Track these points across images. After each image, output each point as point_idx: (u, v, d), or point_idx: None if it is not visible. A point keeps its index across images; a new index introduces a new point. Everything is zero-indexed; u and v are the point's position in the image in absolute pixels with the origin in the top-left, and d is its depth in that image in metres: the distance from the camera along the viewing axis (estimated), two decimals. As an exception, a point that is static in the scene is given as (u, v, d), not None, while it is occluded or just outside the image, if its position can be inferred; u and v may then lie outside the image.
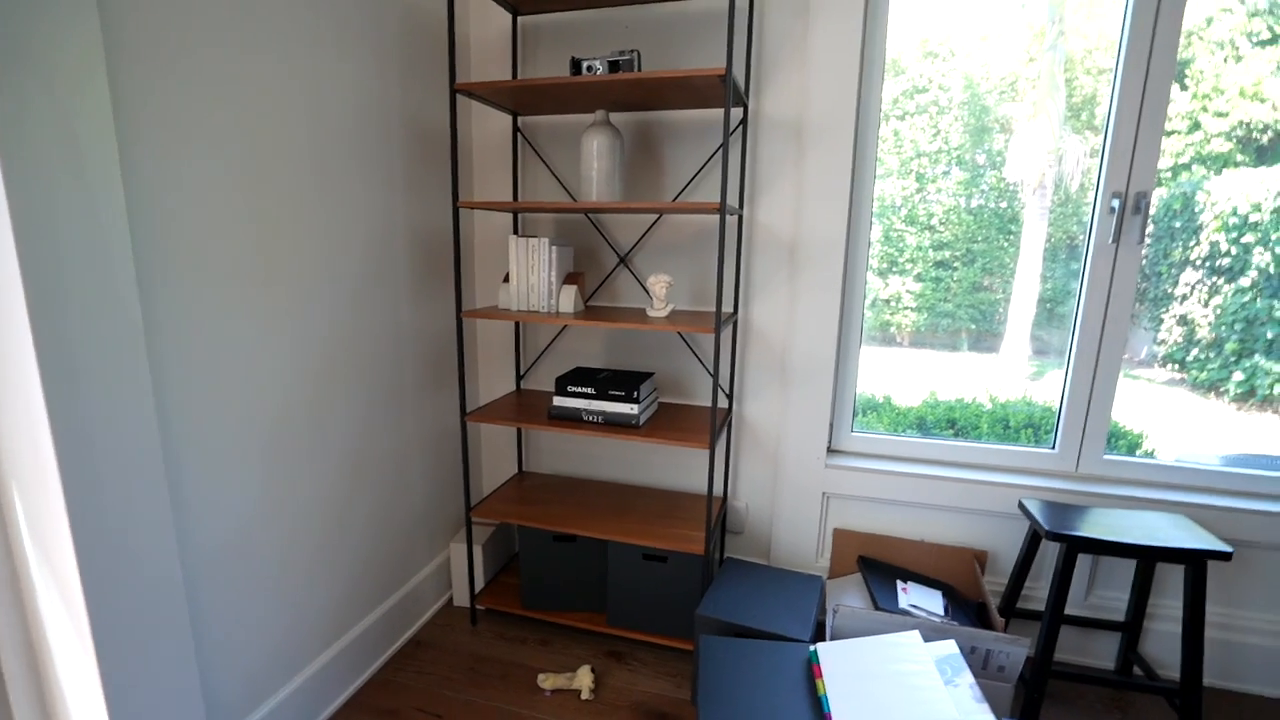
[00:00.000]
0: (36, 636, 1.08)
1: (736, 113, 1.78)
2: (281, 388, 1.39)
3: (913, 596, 1.66)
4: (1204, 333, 1.78)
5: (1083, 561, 1.76)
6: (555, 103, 1.75)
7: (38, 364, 0.93)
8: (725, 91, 1.46)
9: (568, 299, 1.73)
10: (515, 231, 2.04)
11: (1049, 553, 1.78)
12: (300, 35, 1.36)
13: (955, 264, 1.96)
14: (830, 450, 1.97)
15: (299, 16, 1.35)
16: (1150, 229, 1.67)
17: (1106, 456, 1.78)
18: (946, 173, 1.93)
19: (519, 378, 2.14)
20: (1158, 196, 1.69)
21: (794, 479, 1.94)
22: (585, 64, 1.60)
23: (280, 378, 1.38)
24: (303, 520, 1.47)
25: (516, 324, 2.11)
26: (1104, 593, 1.78)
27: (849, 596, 1.74)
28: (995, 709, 1.40)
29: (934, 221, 1.95)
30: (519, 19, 1.92)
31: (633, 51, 1.59)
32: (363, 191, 1.58)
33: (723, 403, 1.97)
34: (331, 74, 1.45)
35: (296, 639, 1.49)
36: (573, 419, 1.75)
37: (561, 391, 1.76)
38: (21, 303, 0.91)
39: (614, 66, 1.59)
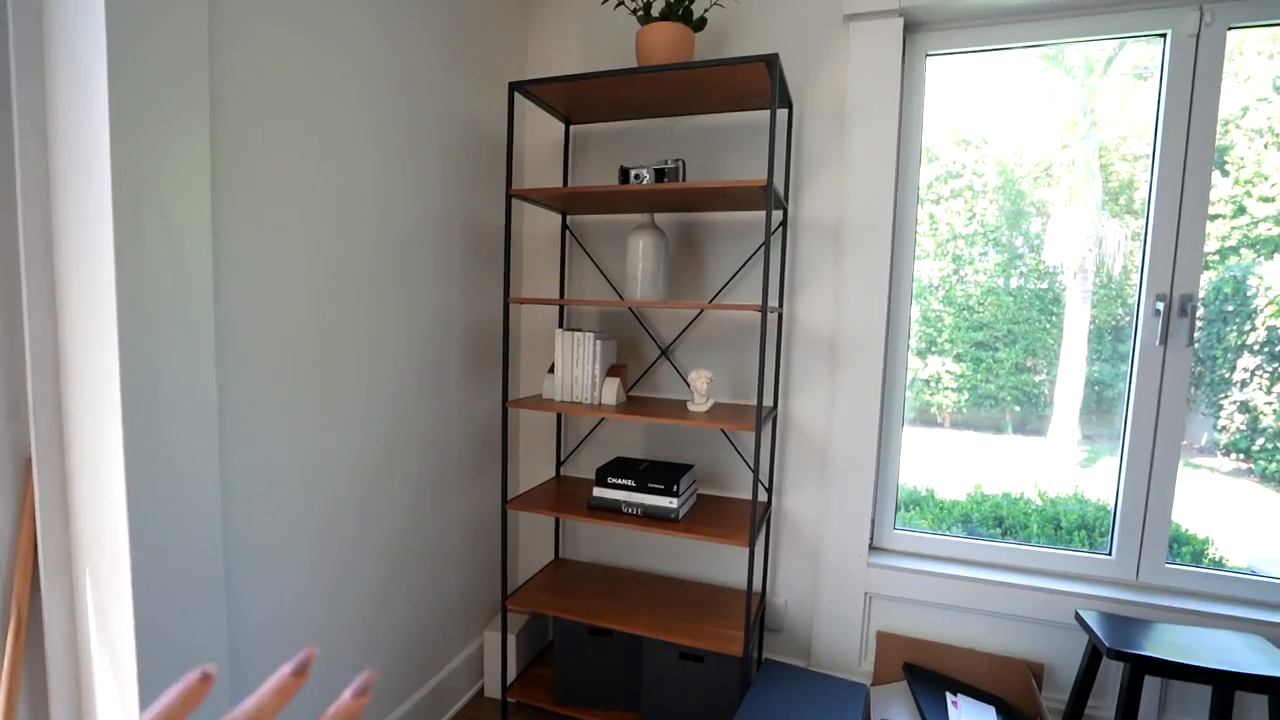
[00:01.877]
0: (88, 706, 1.11)
1: (776, 215, 1.86)
2: (339, 474, 1.45)
3: (964, 712, 1.57)
4: (1269, 421, 1.70)
5: (1152, 682, 1.64)
6: (603, 205, 1.86)
7: (124, 460, 1.01)
8: (766, 199, 1.54)
9: (610, 391, 1.78)
10: (561, 324, 2.13)
11: (1112, 669, 1.67)
12: (378, 152, 1.50)
13: (996, 344, 1.94)
14: (872, 548, 1.92)
15: (378, 135, 1.49)
16: (1200, 312, 1.64)
17: (1169, 565, 1.69)
18: (984, 254, 1.95)
19: (559, 464, 2.17)
20: (1206, 279, 1.67)
21: (835, 577, 1.89)
22: (633, 173, 1.70)
23: (338, 465, 1.44)
24: (345, 604, 1.50)
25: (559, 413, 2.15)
26: (1179, 718, 1.65)
27: (895, 709, 1.66)
28: None
29: (972, 302, 1.96)
30: (570, 128, 2.07)
31: (678, 160, 1.69)
32: (424, 289, 1.68)
33: (762, 496, 1.95)
34: (402, 185, 1.59)
35: (330, 731, 1.47)
36: (612, 510, 1.76)
37: (601, 482, 1.78)
38: (117, 404, 1.00)
39: (660, 175, 1.69)
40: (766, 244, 1.51)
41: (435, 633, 1.84)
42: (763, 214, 1.88)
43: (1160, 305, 1.63)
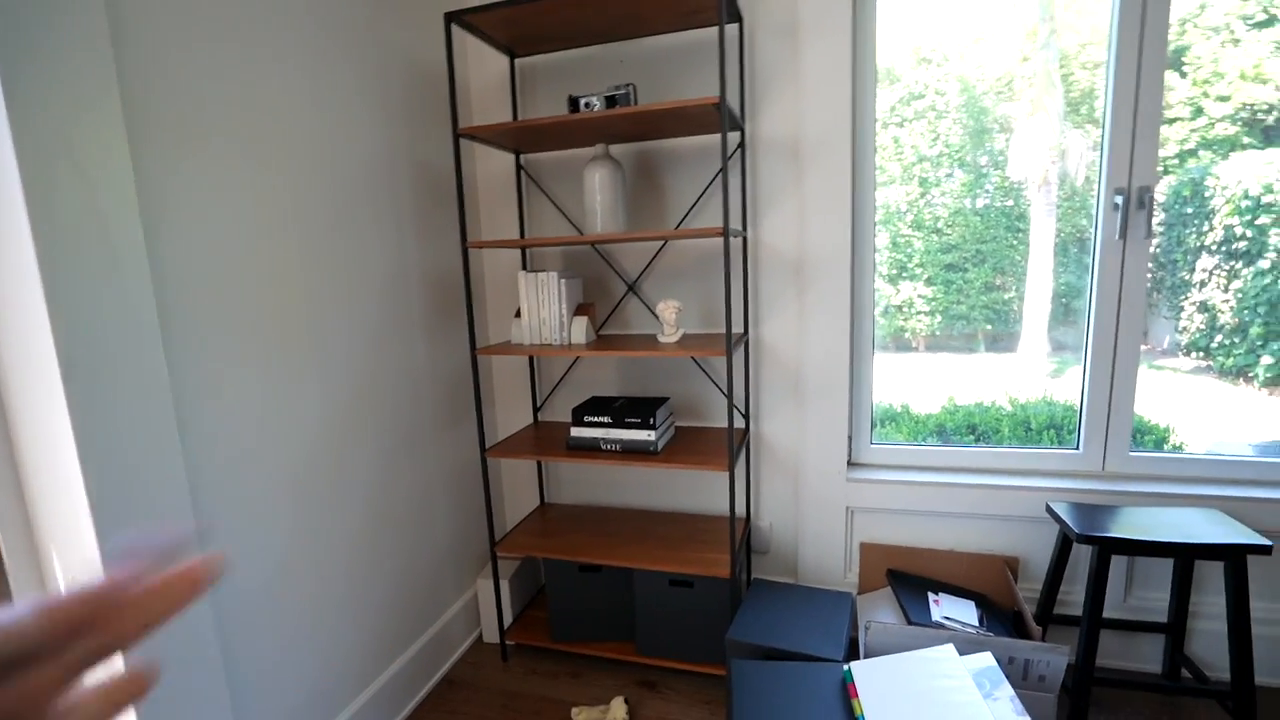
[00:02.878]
0: (79, 696, 1.10)
1: (734, 137, 1.81)
2: (305, 435, 1.42)
3: (945, 608, 1.64)
4: (1226, 318, 1.75)
5: (1118, 563, 1.72)
6: (556, 140, 1.80)
7: (70, 424, 0.97)
8: (721, 118, 1.49)
9: (579, 330, 1.76)
10: (524, 267, 2.08)
11: (1082, 556, 1.74)
12: (308, 93, 1.41)
13: (965, 265, 1.95)
14: (851, 464, 1.96)
15: (307, 75, 1.41)
16: (1160, 217, 1.65)
17: (1133, 454, 1.75)
18: (949, 175, 1.94)
19: (535, 410, 2.16)
20: (1166, 184, 1.68)
21: (816, 495, 1.93)
22: (583, 101, 1.64)
23: (304, 425, 1.41)
24: (330, 564, 1.49)
25: (530, 358, 2.13)
26: (1143, 593, 1.73)
27: (880, 612, 1.72)
28: (1039, 721, 1.36)
29: (940, 224, 1.95)
30: (516, 61, 1.97)
31: (628, 85, 1.63)
32: (375, 238, 1.62)
33: (739, 423, 1.97)
34: (340, 128, 1.51)
35: (330, 682, 1.49)
36: (591, 449, 1.77)
37: (578, 422, 1.78)
38: (54, 363, 0.95)
39: (611, 101, 1.63)
40: (724, 165, 1.47)
41: (428, 586, 1.86)
42: (719, 137, 1.82)
43: (1119, 199, 1.64)
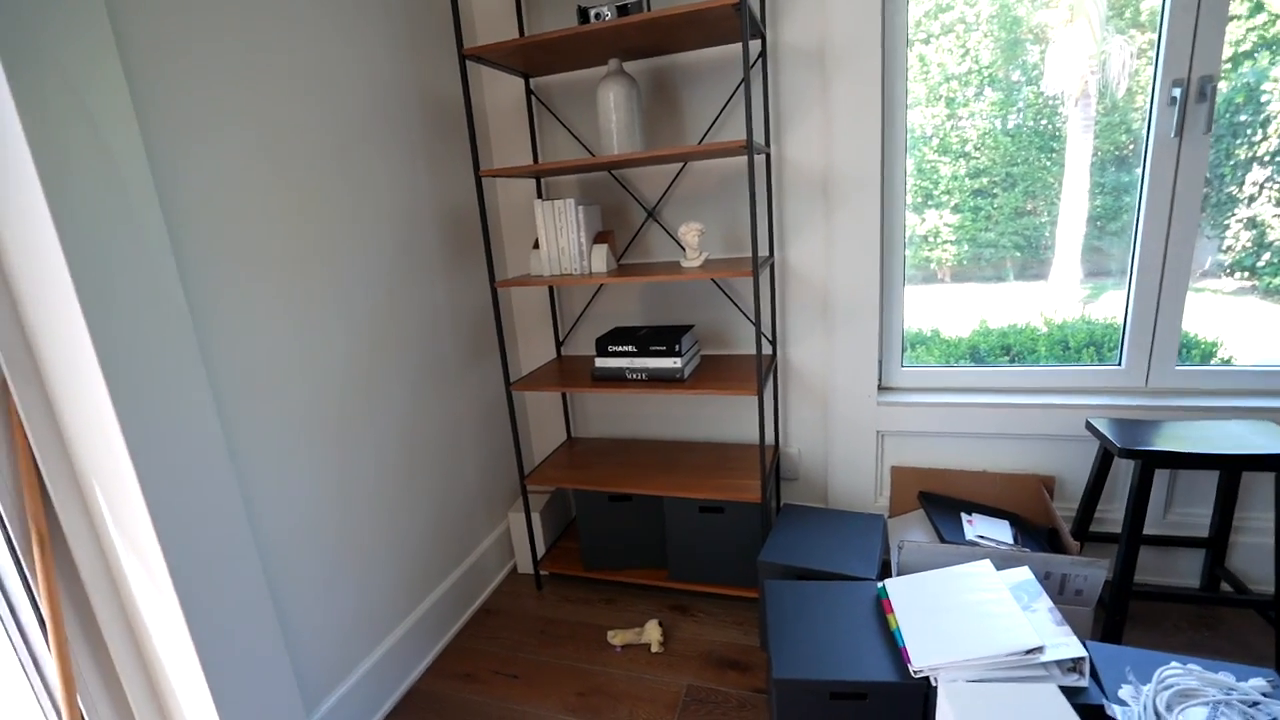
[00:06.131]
0: (137, 626, 1.15)
1: (755, 46, 1.70)
2: (329, 373, 1.41)
3: (979, 528, 1.62)
4: (1277, 234, 1.64)
5: (1159, 478, 1.68)
6: (566, 57, 1.70)
7: (100, 365, 0.96)
8: (741, 21, 1.39)
9: (600, 258, 1.71)
10: (540, 196, 2.02)
11: (1121, 472, 1.70)
12: (303, 17, 1.34)
13: (995, 190, 1.85)
14: (881, 388, 1.92)
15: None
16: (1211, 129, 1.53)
17: (1179, 368, 1.68)
18: (979, 94, 1.81)
19: (559, 345, 2.14)
20: (1217, 92, 1.55)
21: (846, 420, 1.90)
22: (593, 11, 1.54)
23: (327, 363, 1.41)
24: (365, 500, 1.52)
25: (551, 290, 2.10)
26: (1184, 510, 1.70)
27: (912, 533, 1.71)
28: (1075, 632, 1.36)
29: (969, 148, 1.84)
30: (520, -24, 1.86)
31: (641, -8, 1.52)
32: (384, 170, 1.57)
33: (766, 349, 1.93)
34: (339, 54, 1.44)
35: (373, 613, 1.54)
36: (616, 379, 1.75)
37: (603, 352, 1.75)
38: (77, 308, 0.94)
39: (623, 10, 1.53)
40: (746, 75, 1.38)
41: (461, 519, 1.89)
42: (739, 48, 1.71)
43: (1176, 92, 1.51)
